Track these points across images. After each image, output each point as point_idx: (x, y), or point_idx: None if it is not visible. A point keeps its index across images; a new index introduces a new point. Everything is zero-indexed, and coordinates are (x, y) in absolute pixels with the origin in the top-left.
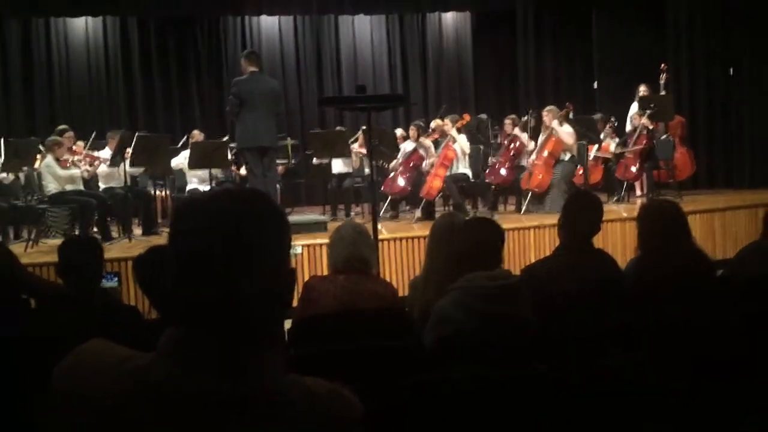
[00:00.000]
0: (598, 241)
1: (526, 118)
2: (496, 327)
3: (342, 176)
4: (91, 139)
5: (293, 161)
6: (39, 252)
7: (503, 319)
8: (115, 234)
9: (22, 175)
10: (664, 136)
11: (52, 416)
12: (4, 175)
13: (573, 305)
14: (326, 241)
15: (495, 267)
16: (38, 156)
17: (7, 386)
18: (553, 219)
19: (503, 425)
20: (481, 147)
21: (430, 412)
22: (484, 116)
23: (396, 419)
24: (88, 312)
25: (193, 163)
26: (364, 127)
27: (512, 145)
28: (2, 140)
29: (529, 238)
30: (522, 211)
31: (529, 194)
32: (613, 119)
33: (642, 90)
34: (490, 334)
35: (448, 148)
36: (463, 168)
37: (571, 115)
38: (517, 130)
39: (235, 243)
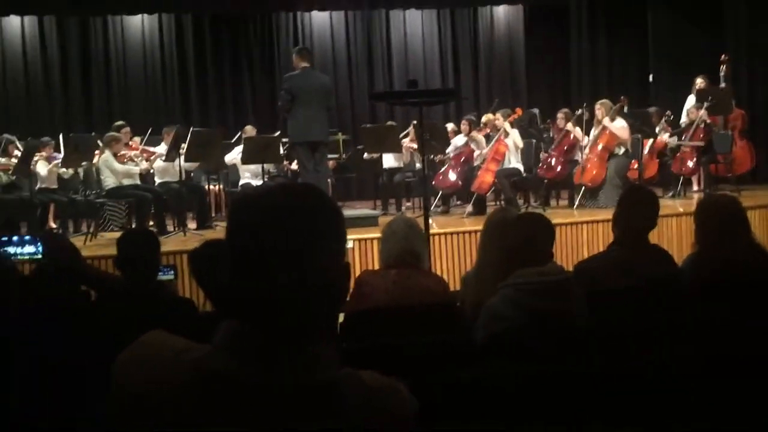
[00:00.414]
0: (653, 237)
1: (579, 112)
2: (547, 324)
3: (393, 171)
4: (147, 135)
5: (344, 156)
6: (97, 245)
7: (555, 316)
8: (170, 228)
9: (81, 170)
10: (723, 131)
11: (113, 407)
12: (64, 170)
13: (627, 302)
14: (377, 235)
15: (546, 263)
16: (96, 151)
17: (68, 378)
18: (607, 214)
19: (554, 422)
20: (534, 141)
21: (481, 408)
22: (536, 110)
23: (447, 415)
24: (145, 304)
25: (246, 158)
26: (415, 122)
27: (565, 140)
28: (62, 137)
29: (582, 233)
30: (575, 206)
31: (582, 189)
32: (668, 113)
33: (699, 83)
34: (542, 330)
35: (500, 143)
36: (515, 162)
37: (625, 109)
38: (569, 125)
39: (290, 238)
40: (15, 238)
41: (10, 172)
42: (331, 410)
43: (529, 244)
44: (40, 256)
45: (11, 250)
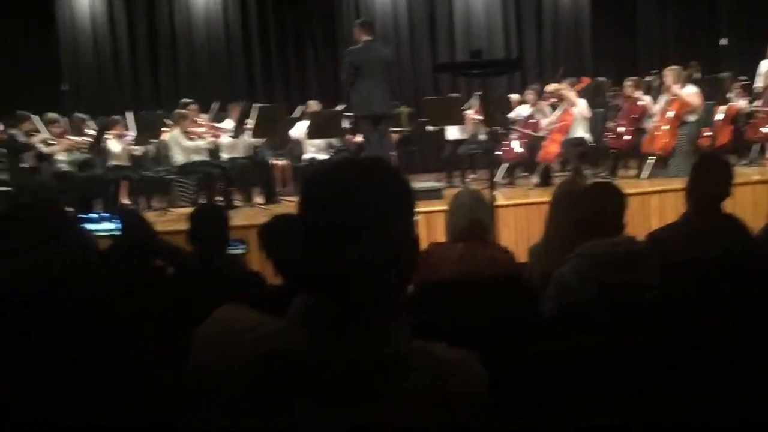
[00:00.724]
0: (727, 206)
1: (648, 79)
2: (618, 295)
3: (457, 143)
4: (214, 112)
5: (408, 129)
6: (168, 220)
7: (626, 288)
8: (238, 202)
9: (151, 148)
10: None
11: (190, 380)
12: (134, 147)
13: (701, 272)
14: (442, 208)
15: (617, 234)
16: (165, 129)
17: (149, 351)
18: (677, 183)
19: (622, 396)
20: (601, 110)
21: (550, 381)
22: (603, 79)
23: (516, 387)
24: (217, 277)
25: (311, 133)
26: (479, 93)
27: (633, 108)
28: (132, 115)
29: (651, 203)
30: (643, 176)
31: (652, 158)
32: (742, 78)
33: None
34: (612, 303)
35: (566, 112)
36: (582, 132)
37: (696, 75)
38: (638, 93)
39: (361, 212)
40: (94, 215)
41: (84, 150)
42: (403, 383)
43: (600, 214)
44: (117, 233)
45: (90, 226)
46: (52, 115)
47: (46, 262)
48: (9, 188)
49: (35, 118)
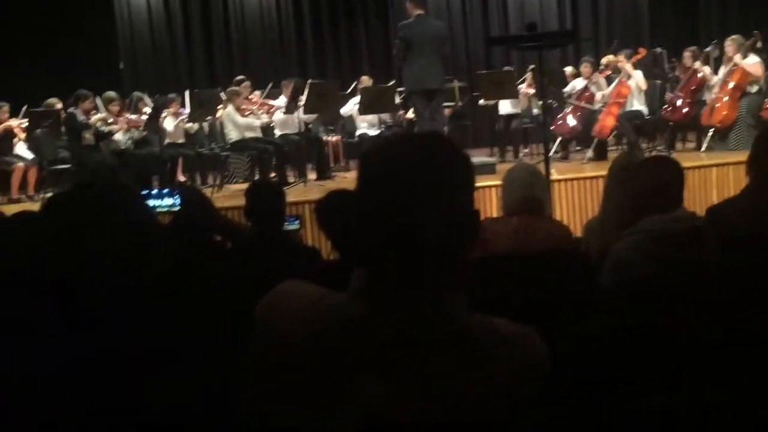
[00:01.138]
0: None
1: (708, 49)
2: (677, 272)
3: (510, 117)
4: (268, 89)
5: (460, 103)
6: (223, 196)
7: (686, 264)
8: (291, 179)
9: (206, 125)
10: None
11: (255, 353)
12: (190, 125)
13: (763, 247)
14: (494, 183)
15: (675, 209)
16: (219, 106)
17: (212, 327)
18: (738, 156)
19: (680, 373)
20: (658, 82)
21: (608, 357)
22: (660, 49)
23: (572, 363)
24: (274, 253)
25: (363, 109)
26: (532, 66)
27: (692, 79)
28: (187, 93)
29: (711, 177)
30: (702, 149)
31: (711, 131)
32: None
33: None
34: (672, 279)
35: (621, 85)
36: (638, 105)
37: (759, 45)
38: (697, 63)
39: (420, 186)
40: (155, 191)
41: (141, 128)
42: (464, 357)
43: (658, 189)
44: (177, 208)
45: (151, 202)
46: (110, 94)
47: (112, 238)
48: (70, 166)
49: (95, 98)
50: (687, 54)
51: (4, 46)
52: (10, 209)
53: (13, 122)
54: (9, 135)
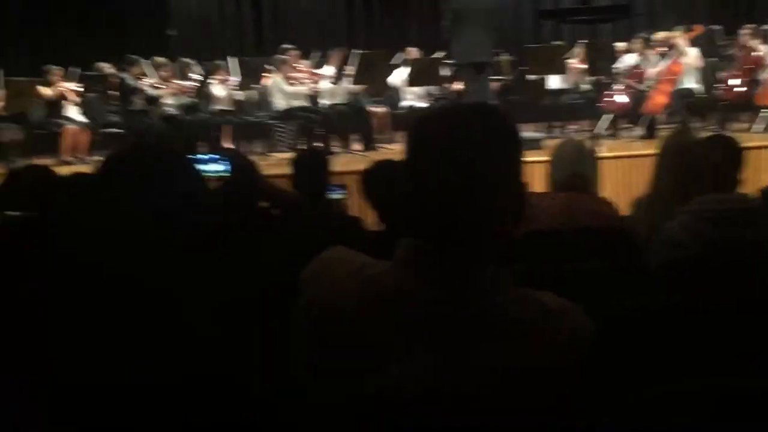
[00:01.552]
0: None
1: (765, 27)
2: (731, 253)
3: (558, 92)
4: (315, 59)
5: (508, 78)
6: (268, 164)
7: (739, 245)
8: (336, 149)
9: (253, 93)
10: None
11: (300, 317)
12: (237, 92)
13: None
14: (541, 158)
15: (731, 189)
16: (267, 74)
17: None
18: None
19: (733, 355)
20: (713, 60)
21: (654, 336)
22: (717, 27)
23: (618, 341)
24: (319, 221)
25: (410, 80)
26: (583, 41)
27: (749, 58)
28: (235, 60)
29: (764, 158)
30: (756, 129)
31: (766, 111)
32: None
33: None
34: (724, 260)
35: (675, 62)
36: (692, 83)
37: None
38: (754, 42)
39: (469, 157)
40: (204, 156)
41: (189, 94)
42: (508, 329)
43: (714, 168)
44: (225, 174)
45: (200, 167)
46: (159, 59)
47: (162, 201)
48: (120, 130)
49: (144, 62)
50: (744, 32)
51: (55, 12)
52: (62, 171)
53: (69, 86)
54: (60, 98)
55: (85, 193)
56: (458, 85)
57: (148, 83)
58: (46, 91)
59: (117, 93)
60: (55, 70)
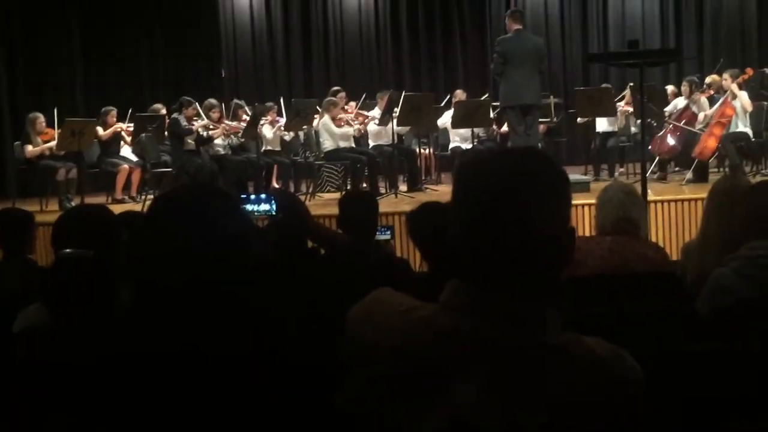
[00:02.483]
0: None
1: None
2: None
3: (606, 135)
4: (361, 100)
5: (555, 119)
6: (315, 204)
7: None
8: (382, 189)
9: (301, 133)
10: None
11: (345, 357)
12: (286, 133)
13: None
14: (588, 201)
15: None
16: (316, 115)
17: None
18: None
19: None
20: (765, 104)
21: (707, 381)
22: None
23: (669, 386)
24: (366, 262)
25: (456, 122)
26: (632, 84)
27: None
28: (285, 102)
29: None
30: None
31: None
32: None
33: None
34: None
35: (725, 105)
36: (743, 127)
37: None
38: None
39: (518, 200)
40: (252, 196)
41: (239, 134)
42: (558, 373)
43: (765, 214)
44: (273, 213)
45: (249, 207)
46: (211, 101)
47: (212, 239)
48: (171, 169)
49: (197, 104)
50: None
51: (114, 55)
52: (114, 209)
53: (122, 126)
54: (117, 138)
55: (139, 231)
56: (504, 128)
57: (201, 124)
58: (102, 130)
59: (169, 133)
60: (112, 111)
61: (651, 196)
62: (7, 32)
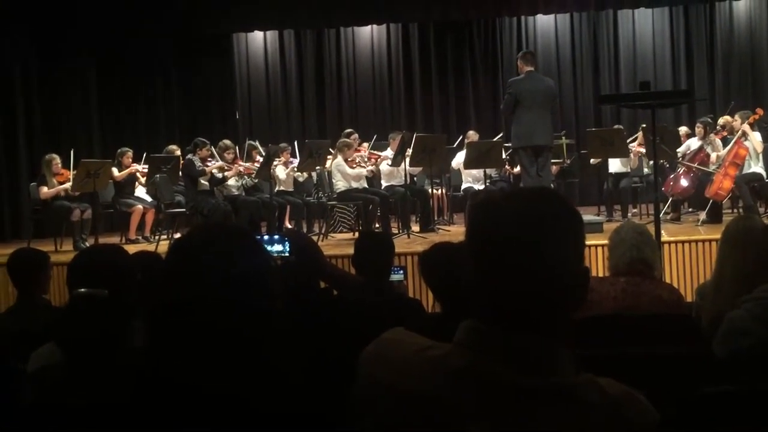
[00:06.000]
0: None
1: None
2: None
3: (619, 176)
4: (373, 141)
5: (568, 160)
6: (328, 245)
7: None
8: (394, 230)
9: (314, 174)
10: None
11: (358, 398)
12: (299, 173)
13: None
14: (601, 242)
15: None
16: (329, 156)
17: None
18: None
19: None
20: None
21: (724, 424)
22: None
23: (685, 430)
24: (379, 302)
25: (468, 163)
26: (644, 125)
27: None
28: (298, 143)
29: None
30: None
31: None
32: None
33: None
34: None
35: (739, 146)
36: (756, 167)
37: None
38: None
39: (530, 242)
40: (266, 236)
41: (253, 175)
42: (572, 414)
43: None
44: (286, 254)
45: None
46: (225, 142)
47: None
48: (185, 210)
49: (211, 145)
50: None
51: (129, 97)
52: (128, 249)
53: (137, 167)
54: (132, 179)
55: (161, 272)
56: (516, 168)
57: (216, 166)
58: (117, 171)
59: (183, 174)
60: (128, 152)
61: (665, 237)
62: (25, 74)
